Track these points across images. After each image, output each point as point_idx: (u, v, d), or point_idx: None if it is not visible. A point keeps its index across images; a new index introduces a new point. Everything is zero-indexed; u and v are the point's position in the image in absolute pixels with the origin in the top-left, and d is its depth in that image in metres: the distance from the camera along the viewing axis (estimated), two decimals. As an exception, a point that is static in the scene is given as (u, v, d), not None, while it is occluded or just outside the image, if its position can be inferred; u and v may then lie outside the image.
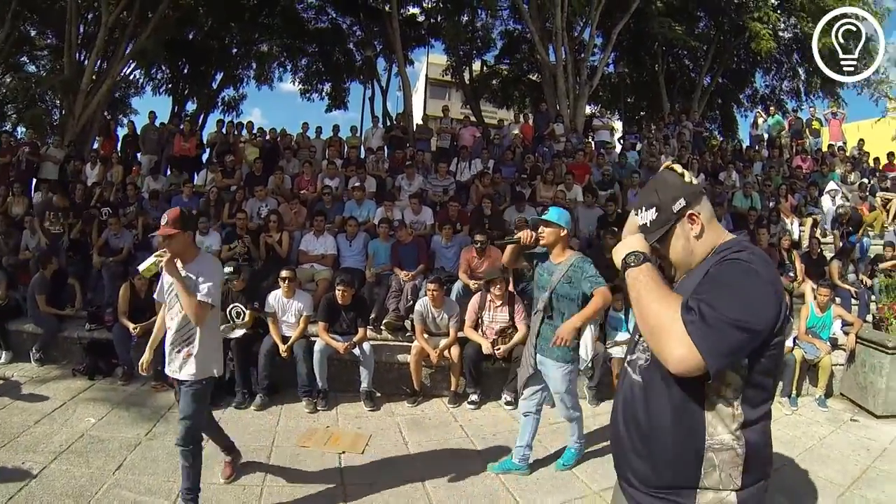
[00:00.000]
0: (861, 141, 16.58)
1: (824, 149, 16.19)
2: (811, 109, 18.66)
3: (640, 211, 1.85)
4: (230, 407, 5.92)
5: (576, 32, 19.03)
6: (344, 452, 4.95)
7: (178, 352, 3.68)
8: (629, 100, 24.38)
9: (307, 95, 23.64)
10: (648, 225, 1.80)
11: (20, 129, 20.09)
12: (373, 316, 7.16)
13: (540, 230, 4.22)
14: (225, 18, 19.29)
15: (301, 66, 23.24)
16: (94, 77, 15.01)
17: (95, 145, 14.33)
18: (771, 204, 11.31)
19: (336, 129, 13.96)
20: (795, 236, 10.29)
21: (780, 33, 18.92)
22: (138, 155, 13.14)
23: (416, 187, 10.31)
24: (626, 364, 1.90)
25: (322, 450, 4.99)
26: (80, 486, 4.16)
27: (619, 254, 1.76)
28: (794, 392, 6.90)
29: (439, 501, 4.15)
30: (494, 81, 23.92)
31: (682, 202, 1.74)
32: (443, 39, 21.22)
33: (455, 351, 6.36)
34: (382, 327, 7.32)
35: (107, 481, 4.24)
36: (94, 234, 8.91)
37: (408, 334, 7.25)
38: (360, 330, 6.34)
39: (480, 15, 21.26)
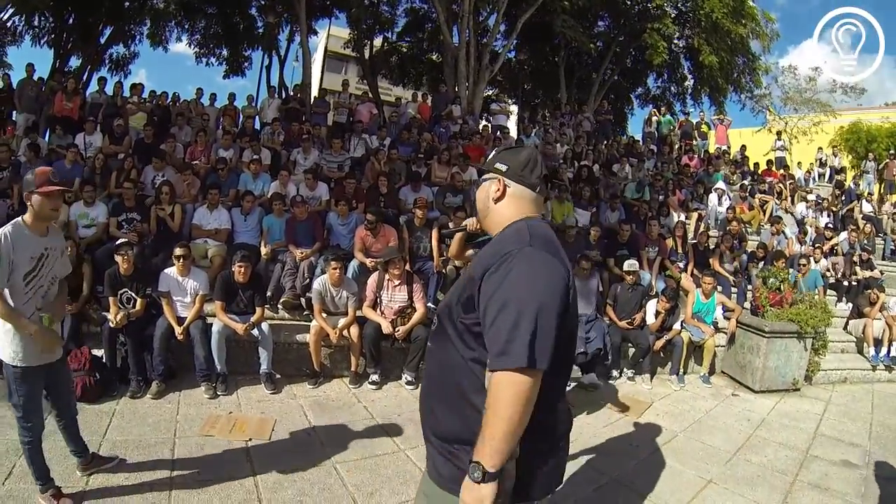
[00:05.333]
0: (743, 146, 18.20)
1: (711, 150, 17.63)
2: (700, 114, 20.23)
3: (495, 150, 2.12)
4: (124, 397, 5.46)
5: (482, 17, 19.28)
6: (251, 440, 4.78)
7: None
8: (526, 87, 24.91)
9: (203, 59, 22.74)
10: (486, 160, 2.10)
11: None
12: (268, 294, 7.01)
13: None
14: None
15: (198, 28, 22.14)
16: None
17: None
18: (661, 198, 11.93)
19: (232, 97, 13.55)
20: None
21: (676, 41, 19.97)
22: (13, 113, 12.03)
23: (312, 162, 10.14)
24: None
25: (227, 438, 4.79)
26: None
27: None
28: (681, 370, 7.62)
29: (355, 485, 4.10)
30: (393, 58, 23.78)
31: (503, 167, 1.96)
32: (347, 12, 20.88)
33: (354, 331, 6.32)
34: (279, 306, 7.21)
35: None
36: None
37: (305, 313, 7.18)
38: (259, 309, 6.15)
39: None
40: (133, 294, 5.93)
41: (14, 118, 11.84)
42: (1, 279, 3.20)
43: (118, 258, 5.93)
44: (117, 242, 6.35)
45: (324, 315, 6.38)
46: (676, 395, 7.10)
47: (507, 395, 1.56)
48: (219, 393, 5.78)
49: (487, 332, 1.63)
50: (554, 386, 1.73)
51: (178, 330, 5.87)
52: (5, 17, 17.60)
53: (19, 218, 3.39)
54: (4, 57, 20.43)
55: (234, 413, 5.36)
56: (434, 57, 22.72)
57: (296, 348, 6.58)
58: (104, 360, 5.72)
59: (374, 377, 6.39)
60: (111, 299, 5.85)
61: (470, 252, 4.38)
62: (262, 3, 21.01)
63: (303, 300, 7.22)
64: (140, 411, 5.22)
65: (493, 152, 2.07)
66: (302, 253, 7.39)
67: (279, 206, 7.95)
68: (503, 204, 1.94)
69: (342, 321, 6.35)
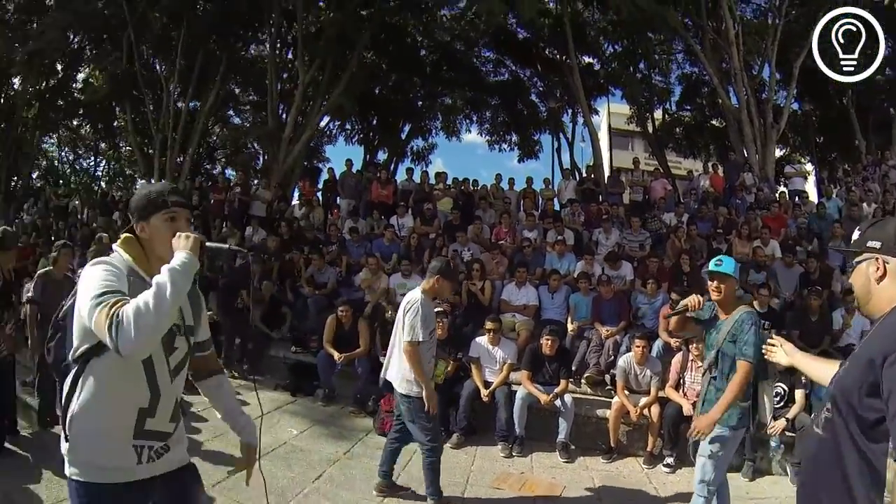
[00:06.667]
0: None
1: None
2: None
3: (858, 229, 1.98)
4: None
5: (754, 71, 18.15)
6: (538, 497, 5.04)
7: None
8: (819, 140, 22.68)
9: (495, 146, 24.29)
10: (846, 243, 2.03)
11: (228, 172, 23.20)
12: (573, 368, 7.19)
13: (715, 285, 3.88)
14: (407, 73, 20.60)
15: (486, 118, 23.90)
16: (294, 128, 16.87)
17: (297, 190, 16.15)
18: None
19: (529, 181, 14.23)
20: None
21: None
22: (337, 199, 14.42)
23: (613, 242, 10.38)
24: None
25: (517, 493, 5.13)
26: (282, 486, 4.67)
27: None
28: None
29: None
30: (678, 129, 23.31)
31: (876, 245, 1.83)
32: (622, 88, 21.03)
33: (655, 410, 6.27)
34: (583, 381, 7.35)
35: (306, 487, 4.74)
36: (302, 268, 9.93)
37: (607, 389, 7.24)
38: (563, 381, 6.40)
39: (657, 59, 20.76)
40: (446, 355, 6.62)
41: (338, 203, 14.16)
42: (423, 332, 4.27)
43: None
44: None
45: (626, 392, 6.44)
46: None
47: None
48: (514, 454, 6.14)
49: (892, 422, 1.54)
50: None
51: (483, 392, 6.44)
52: (322, 124, 21.15)
53: (419, 289, 4.53)
54: (324, 153, 25.03)
55: (525, 473, 5.67)
56: (717, 122, 21.68)
57: (594, 422, 6.69)
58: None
59: (670, 460, 6.17)
60: (426, 359, 6.64)
61: (693, 326, 4.22)
62: (541, 89, 22.19)
63: (606, 377, 7.33)
64: (439, 456, 5.80)
65: (857, 232, 1.97)
66: (608, 331, 7.57)
67: (585, 285, 8.27)
68: (886, 283, 1.82)
69: (643, 399, 6.36)
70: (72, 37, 18.27)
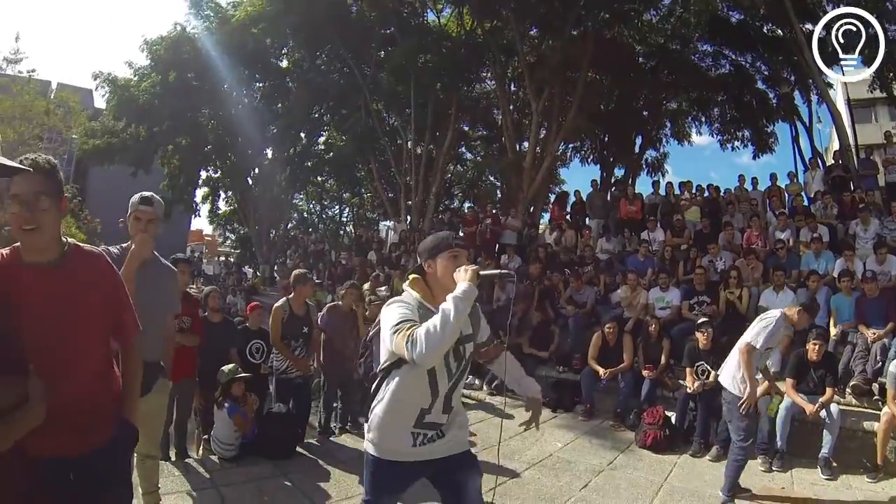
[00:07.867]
0: None
1: None
2: None
3: None
4: (685, 455, 6.42)
5: None
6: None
7: None
8: None
9: (728, 146, 23.01)
10: None
11: (467, 205, 25.72)
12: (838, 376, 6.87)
13: None
14: (629, 84, 20.63)
15: (714, 117, 22.89)
16: (533, 156, 17.87)
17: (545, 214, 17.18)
18: None
19: (774, 177, 13.73)
20: None
21: None
22: (587, 219, 14.99)
23: (873, 233, 9.55)
24: None
25: None
26: (551, 494, 5.17)
27: None
28: None
29: None
30: (930, 84, 20.25)
31: None
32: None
33: (933, 423, 5.64)
34: (847, 390, 6.86)
35: (573, 495, 5.19)
36: (562, 290, 10.66)
37: (875, 399, 6.69)
38: (829, 390, 6.06)
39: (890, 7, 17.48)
40: (708, 367, 6.88)
41: (587, 223, 14.73)
42: (763, 343, 4.90)
43: (699, 335, 7.09)
44: (700, 321, 7.40)
45: (896, 402, 5.83)
46: None
47: None
48: (774, 468, 6.00)
49: None
50: None
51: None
52: (559, 151, 22.06)
53: (781, 311, 5.08)
54: (558, 176, 26.12)
55: (786, 489, 5.57)
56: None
57: (860, 436, 6.26)
58: (674, 421, 6.87)
59: (948, 484, 5.57)
60: (688, 370, 7.01)
61: None
62: (766, 74, 20.76)
63: (874, 386, 6.79)
64: (698, 468, 6.02)
65: None
66: (874, 334, 7.15)
67: (846, 284, 7.93)
68: None
69: (917, 411, 5.69)
70: (312, 108, 21.84)
